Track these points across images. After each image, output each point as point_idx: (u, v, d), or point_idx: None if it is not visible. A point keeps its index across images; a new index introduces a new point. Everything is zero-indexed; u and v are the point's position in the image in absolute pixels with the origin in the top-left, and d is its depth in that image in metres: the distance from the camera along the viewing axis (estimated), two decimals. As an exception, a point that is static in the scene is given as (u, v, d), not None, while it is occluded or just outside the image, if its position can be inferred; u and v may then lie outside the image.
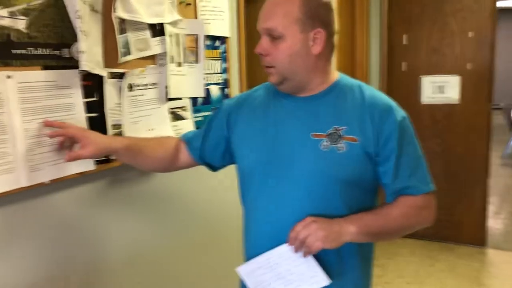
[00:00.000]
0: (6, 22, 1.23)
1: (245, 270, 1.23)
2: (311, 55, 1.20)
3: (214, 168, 1.47)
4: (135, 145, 1.35)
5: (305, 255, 1.14)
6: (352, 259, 1.26)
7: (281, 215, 1.22)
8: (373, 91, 1.28)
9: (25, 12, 1.27)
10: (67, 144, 1.30)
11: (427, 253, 3.82)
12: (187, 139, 1.44)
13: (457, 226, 3.95)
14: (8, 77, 1.23)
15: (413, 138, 1.26)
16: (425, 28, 3.92)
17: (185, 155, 1.44)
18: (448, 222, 3.95)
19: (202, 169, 1.49)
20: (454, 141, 3.92)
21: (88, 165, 1.44)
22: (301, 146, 1.21)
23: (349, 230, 1.15)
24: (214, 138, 1.40)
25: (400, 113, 1.25)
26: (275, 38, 1.17)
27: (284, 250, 1.17)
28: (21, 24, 1.26)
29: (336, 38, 1.24)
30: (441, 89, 3.89)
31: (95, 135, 1.28)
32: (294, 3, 1.17)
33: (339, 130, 1.20)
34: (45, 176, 1.31)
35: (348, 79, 1.31)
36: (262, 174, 1.25)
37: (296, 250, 1.15)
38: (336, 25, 1.23)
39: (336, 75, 1.30)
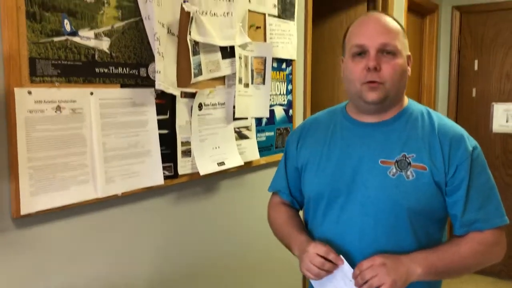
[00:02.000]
0: (92, 42, 1.32)
1: None
2: (407, 76, 1.23)
3: (302, 204, 1.43)
4: (303, 228, 1.37)
5: None
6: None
7: (347, 241, 1.20)
8: (443, 119, 1.25)
9: (108, 34, 1.36)
10: None
11: (495, 292, 3.58)
12: (280, 191, 1.42)
13: (530, 265, 3.67)
14: (91, 93, 1.32)
15: (484, 168, 1.20)
16: (498, 53, 3.75)
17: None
18: (520, 260, 3.68)
19: (268, 195, 1.49)
20: (528, 173, 3.67)
21: (157, 180, 1.50)
22: (369, 172, 1.19)
23: (416, 272, 1.10)
24: (292, 174, 1.39)
25: (472, 142, 1.20)
26: (387, 53, 1.17)
27: (348, 271, 1.14)
28: (104, 44, 1.35)
29: None
30: (515, 117, 3.67)
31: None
32: (396, 24, 1.21)
33: (408, 157, 1.17)
34: (118, 188, 1.38)
35: (417, 105, 1.29)
36: (328, 199, 1.24)
37: (358, 287, 1.11)
38: None
39: (406, 100, 1.28)
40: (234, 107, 1.78)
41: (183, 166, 1.61)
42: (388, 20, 1.21)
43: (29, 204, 1.17)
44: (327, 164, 1.26)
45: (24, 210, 1.16)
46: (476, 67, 3.87)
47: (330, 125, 1.32)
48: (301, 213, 1.41)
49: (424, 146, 1.18)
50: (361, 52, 1.18)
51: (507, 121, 3.72)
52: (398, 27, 1.21)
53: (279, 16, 2.04)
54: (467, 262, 1.17)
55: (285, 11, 2.08)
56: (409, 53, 1.23)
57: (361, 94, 1.18)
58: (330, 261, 1.14)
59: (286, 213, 1.39)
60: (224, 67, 1.73)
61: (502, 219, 1.18)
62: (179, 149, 1.58)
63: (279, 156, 1.95)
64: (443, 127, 1.20)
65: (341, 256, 1.15)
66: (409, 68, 1.23)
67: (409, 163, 1.17)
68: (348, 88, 1.24)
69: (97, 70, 1.34)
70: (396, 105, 1.23)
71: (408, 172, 1.16)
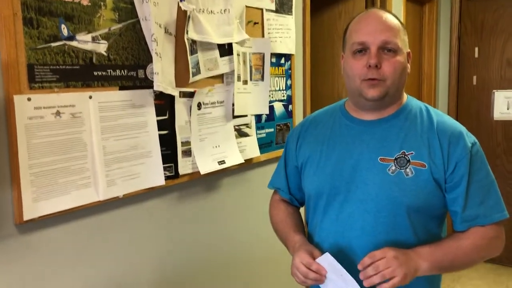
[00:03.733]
0: (89, 46, 1.32)
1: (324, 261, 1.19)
2: (407, 74, 1.23)
3: (303, 203, 1.44)
4: (302, 226, 1.37)
5: (367, 285, 1.11)
6: (418, 282, 1.22)
7: (346, 238, 1.21)
8: (442, 115, 1.25)
9: (106, 36, 1.36)
10: None
11: (496, 278, 3.60)
12: (280, 188, 1.43)
13: (532, 251, 3.69)
14: (90, 97, 1.32)
15: (484, 164, 1.21)
16: (499, 40, 3.72)
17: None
18: (522, 246, 3.70)
19: (269, 192, 1.51)
20: (530, 159, 3.67)
21: (158, 181, 1.50)
22: (368, 170, 1.20)
23: (422, 267, 1.12)
24: (292, 173, 1.40)
25: (470, 138, 1.21)
26: (388, 51, 1.17)
27: (338, 268, 1.13)
28: (102, 47, 1.35)
29: None
30: (516, 104, 3.67)
31: (308, 246, 1.22)
32: (397, 21, 1.22)
33: (408, 154, 1.18)
34: (119, 190, 1.39)
35: (415, 101, 1.29)
36: (327, 197, 1.25)
37: (366, 276, 1.09)
38: None
39: (405, 97, 1.28)
40: (233, 104, 1.78)
41: (184, 166, 1.61)
42: (389, 17, 1.21)
43: (32, 210, 1.18)
44: (327, 162, 1.26)
45: (26, 216, 1.18)
46: (476, 54, 3.84)
47: (329, 123, 1.32)
48: (302, 210, 1.42)
49: (423, 143, 1.18)
50: (362, 49, 1.18)
51: (508, 109, 3.71)
52: (399, 24, 1.21)
53: (276, 11, 2.03)
54: (469, 257, 1.19)
55: (283, 5, 2.07)
56: (409, 50, 1.24)
57: (361, 91, 1.19)
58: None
59: (285, 211, 1.40)
60: (222, 65, 1.72)
61: (502, 213, 1.20)
62: (179, 149, 1.59)
63: (279, 152, 1.96)
64: (442, 124, 1.21)
65: (328, 253, 1.14)
66: (408, 65, 1.24)
67: (408, 161, 1.17)
68: (348, 85, 1.24)
69: (95, 73, 1.34)
70: (395, 103, 1.24)
71: (407, 170, 1.17)
